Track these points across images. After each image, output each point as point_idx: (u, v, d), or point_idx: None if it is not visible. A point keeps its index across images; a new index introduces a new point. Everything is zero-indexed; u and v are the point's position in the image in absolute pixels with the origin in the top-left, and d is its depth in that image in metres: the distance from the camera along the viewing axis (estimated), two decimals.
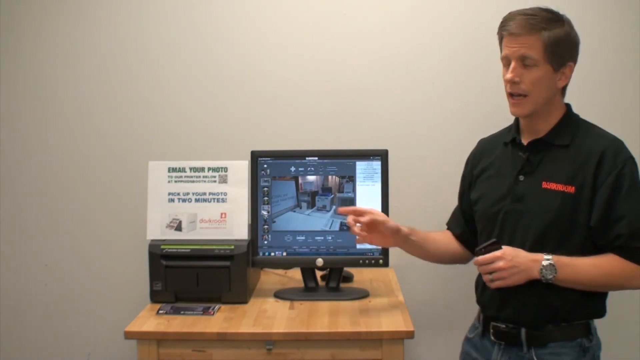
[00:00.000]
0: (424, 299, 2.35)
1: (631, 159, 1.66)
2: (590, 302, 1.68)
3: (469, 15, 2.33)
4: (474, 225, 1.87)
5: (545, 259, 1.62)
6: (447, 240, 1.96)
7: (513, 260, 1.62)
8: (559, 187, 1.66)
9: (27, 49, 2.38)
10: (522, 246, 1.67)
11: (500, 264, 1.62)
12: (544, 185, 1.68)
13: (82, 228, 2.42)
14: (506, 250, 1.63)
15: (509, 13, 1.70)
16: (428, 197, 2.37)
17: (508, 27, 1.67)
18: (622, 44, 2.32)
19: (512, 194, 1.73)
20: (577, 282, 1.64)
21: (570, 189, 1.65)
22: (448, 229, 2.01)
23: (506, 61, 1.70)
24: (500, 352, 1.75)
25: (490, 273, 1.64)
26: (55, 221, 2.42)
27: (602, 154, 1.64)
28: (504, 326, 1.74)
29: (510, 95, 1.70)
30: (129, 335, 1.76)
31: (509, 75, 1.67)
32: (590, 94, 2.30)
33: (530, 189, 1.70)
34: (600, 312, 1.72)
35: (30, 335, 2.45)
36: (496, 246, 1.64)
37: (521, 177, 1.73)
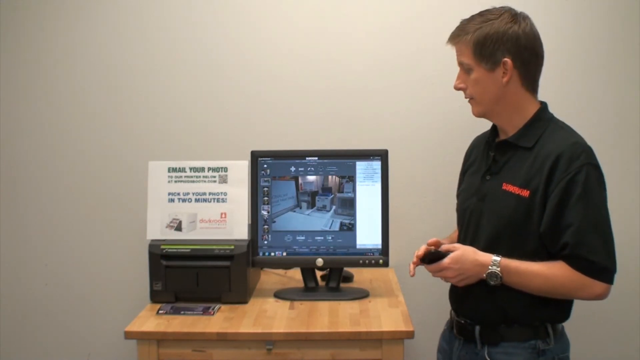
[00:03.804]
0: (424, 299, 2.35)
1: (589, 165, 1.57)
2: (546, 305, 1.64)
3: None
4: None
5: (492, 264, 1.61)
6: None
7: (459, 269, 1.64)
8: (516, 190, 1.64)
9: (27, 49, 2.38)
10: (479, 245, 1.68)
11: (447, 273, 1.65)
12: (504, 186, 1.67)
13: (82, 228, 2.42)
14: (452, 259, 1.64)
15: None
16: (428, 197, 2.37)
17: None
18: (615, 43, 2.32)
19: (477, 193, 1.75)
20: (523, 288, 1.62)
21: (525, 193, 1.62)
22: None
23: None
24: (459, 347, 1.77)
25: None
26: (55, 221, 2.42)
27: (556, 158, 1.58)
28: (462, 321, 1.75)
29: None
30: (129, 335, 1.76)
31: (454, 83, 1.74)
32: (582, 92, 2.31)
33: (492, 189, 1.70)
34: (559, 317, 1.68)
35: (30, 335, 2.45)
36: (439, 254, 1.67)
37: (488, 177, 1.73)
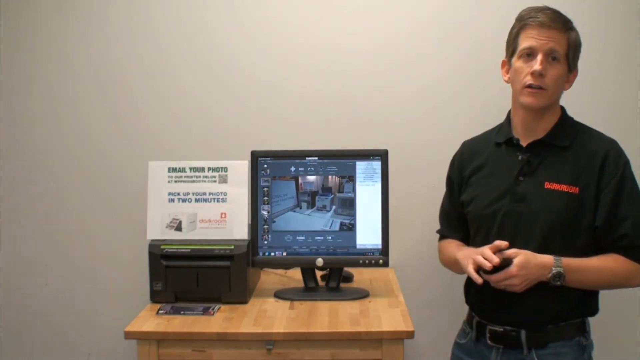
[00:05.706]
0: (424, 299, 2.35)
1: (627, 161, 1.71)
2: (586, 301, 1.71)
3: (469, 17, 2.33)
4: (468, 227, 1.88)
5: (555, 265, 1.62)
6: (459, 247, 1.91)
7: (525, 275, 1.62)
8: (563, 187, 1.68)
9: (27, 49, 2.38)
10: (525, 246, 1.66)
11: (514, 281, 1.62)
12: (547, 185, 1.69)
13: (82, 228, 2.42)
14: (519, 266, 1.61)
15: (530, 7, 1.72)
16: (428, 197, 2.37)
17: (538, 18, 1.67)
18: (623, 43, 2.32)
19: (511, 195, 1.73)
20: (584, 284, 1.67)
21: (575, 190, 1.67)
22: (445, 237, 1.99)
23: (528, 52, 1.69)
24: (498, 356, 1.75)
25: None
26: (55, 221, 2.42)
27: (605, 156, 1.68)
28: (501, 329, 1.74)
29: (529, 86, 1.68)
30: (129, 335, 1.76)
31: (538, 67, 1.66)
32: (588, 95, 2.31)
33: (532, 189, 1.71)
34: (595, 310, 1.75)
35: (30, 335, 2.45)
36: (505, 261, 1.62)
37: (521, 178, 1.73)
